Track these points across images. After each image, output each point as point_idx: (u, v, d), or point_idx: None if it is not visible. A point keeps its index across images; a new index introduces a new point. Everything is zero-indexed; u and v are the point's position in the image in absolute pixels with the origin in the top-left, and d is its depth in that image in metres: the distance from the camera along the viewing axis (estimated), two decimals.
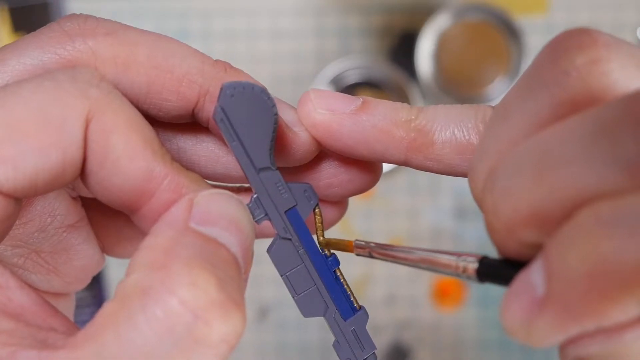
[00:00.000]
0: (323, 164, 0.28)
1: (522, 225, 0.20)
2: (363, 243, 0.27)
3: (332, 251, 0.27)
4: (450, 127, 0.25)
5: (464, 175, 0.26)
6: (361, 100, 0.26)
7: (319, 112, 0.26)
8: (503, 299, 0.20)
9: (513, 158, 0.20)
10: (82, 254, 0.28)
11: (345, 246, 0.27)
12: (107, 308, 0.20)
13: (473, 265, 0.23)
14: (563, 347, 0.20)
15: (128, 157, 0.23)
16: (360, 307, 0.27)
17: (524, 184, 0.20)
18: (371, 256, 0.27)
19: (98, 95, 0.23)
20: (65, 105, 0.22)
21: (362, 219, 0.77)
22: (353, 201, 0.77)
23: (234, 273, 0.22)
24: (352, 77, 0.71)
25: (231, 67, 0.26)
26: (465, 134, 0.25)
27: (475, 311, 0.77)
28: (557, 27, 0.76)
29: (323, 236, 0.27)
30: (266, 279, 0.75)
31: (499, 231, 0.21)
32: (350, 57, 0.74)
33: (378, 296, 0.77)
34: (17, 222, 0.26)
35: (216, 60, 0.26)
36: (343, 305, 0.27)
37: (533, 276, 0.19)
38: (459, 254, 0.23)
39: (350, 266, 0.76)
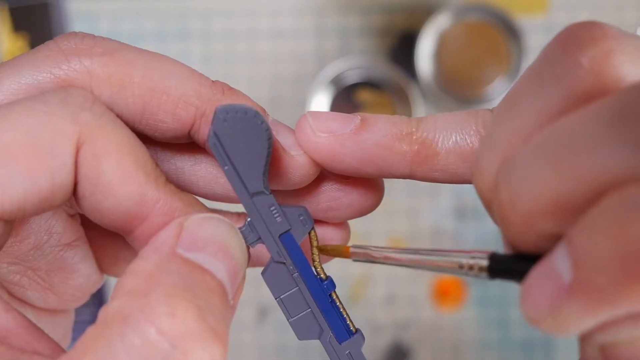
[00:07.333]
0: (322, 188, 0.28)
1: (542, 215, 0.20)
2: (360, 249, 0.26)
3: (327, 274, 0.27)
4: (452, 135, 0.25)
5: (469, 182, 0.25)
6: (359, 118, 0.26)
7: (319, 135, 0.26)
8: (523, 289, 0.20)
9: (530, 147, 0.20)
10: (78, 273, 0.28)
11: (341, 252, 0.27)
12: (88, 333, 0.20)
13: (482, 262, 0.22)
14: (588, 335, 0.20)
15: (119, 181, 0.23)
16: (357, 330, 0.27)
17: (544, 173, 0.19)
18: (370, 261, 0.26)
19: (89, 119, 0.23)
20: (56, 130, 0.22)
21: (362, 219, 0.77)
22: None
23: (217, 301, 0.22)
24: (352, 77, 0.71)
25: (229, 88, 0.26)
26: (468, 140, 0.25)
27: (475, 311, 0.77)
28: (557, 27, 0.75)
29: (319, 260, 0.27)
30: None
31: (516, 223, 0.21)
32: (350, 57, 0.74)
33: (378, 296, 0.77)
34: (13, 239, 0.26)
35: (214, 82, 0.26)
36: (338, 329, 0.27)
37: (557, 263, 0.19)
38: (465, 252, 0.23)
39: (350, 266, 0.76)
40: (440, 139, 0.25)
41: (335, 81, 0.71)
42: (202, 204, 0.26)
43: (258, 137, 0.25)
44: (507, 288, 0.77)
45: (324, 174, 0.28)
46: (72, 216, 0.28)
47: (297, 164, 0.26)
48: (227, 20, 0.76)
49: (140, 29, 0.76)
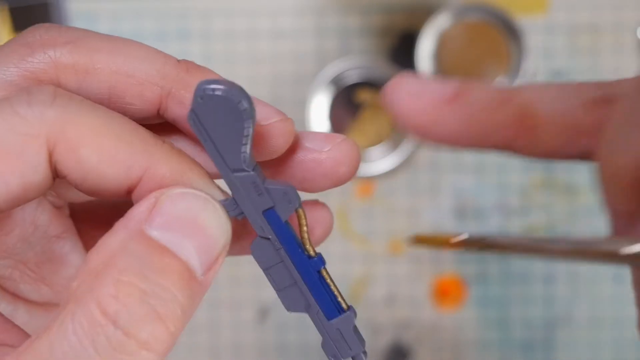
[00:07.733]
0: (296, 158, 0.27)
1: None
2: (473, 237, 0.24)
3: (317, 252, 0.26)
4: (554, 106, 0.24)
5: (568, 157, 0.24)
6: (455, 85, 0.25)
7: (414, 101, 0.25)
8: None
9: None
10: (69, 264, 0.28)
11: (441, 242, 0.25)
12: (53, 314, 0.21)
13: None
14: None
15: (105, 164, 0.23)
16: (349, 307, 0.27)
17: None
18: (481, 251, 0.24)
19: (55, 115, 0.23)
20: (22, 132, 0.22)
21: (362, 219, 0.77)
22: (353, 201, 0.77)
23: (169, 283, 0.22)
24: (352, 77, 0.71)
25: (195, 66, 0.26)
26: (572, 113, 0.24)
27: (475, 311, 0.77)
28: (557, 27, 0.76)
29: (307, 237, 0.26)
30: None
31: None
32: (350, 57, 0.74)
33: (378, 296, 0.77)
34: None
35: (180, 60, 0.26)
36: (327, 306, 0.26)
37: None
38: (614, 238, 0.22)
39: (350, 266, 0.76)
40: (541, 109, 0.24)
41: (335, 81, 0.71)
42: (198, 171, 0.25)
43: (236, 113, 0.24)
44: (507, 288, 0.77)
45: (296, 145, 0.27)
46: (58, 208, 0.28)
47: (274, 132, 0.26)
48: (227, 20, 0.76)
49: (140, 29, 0.76)
